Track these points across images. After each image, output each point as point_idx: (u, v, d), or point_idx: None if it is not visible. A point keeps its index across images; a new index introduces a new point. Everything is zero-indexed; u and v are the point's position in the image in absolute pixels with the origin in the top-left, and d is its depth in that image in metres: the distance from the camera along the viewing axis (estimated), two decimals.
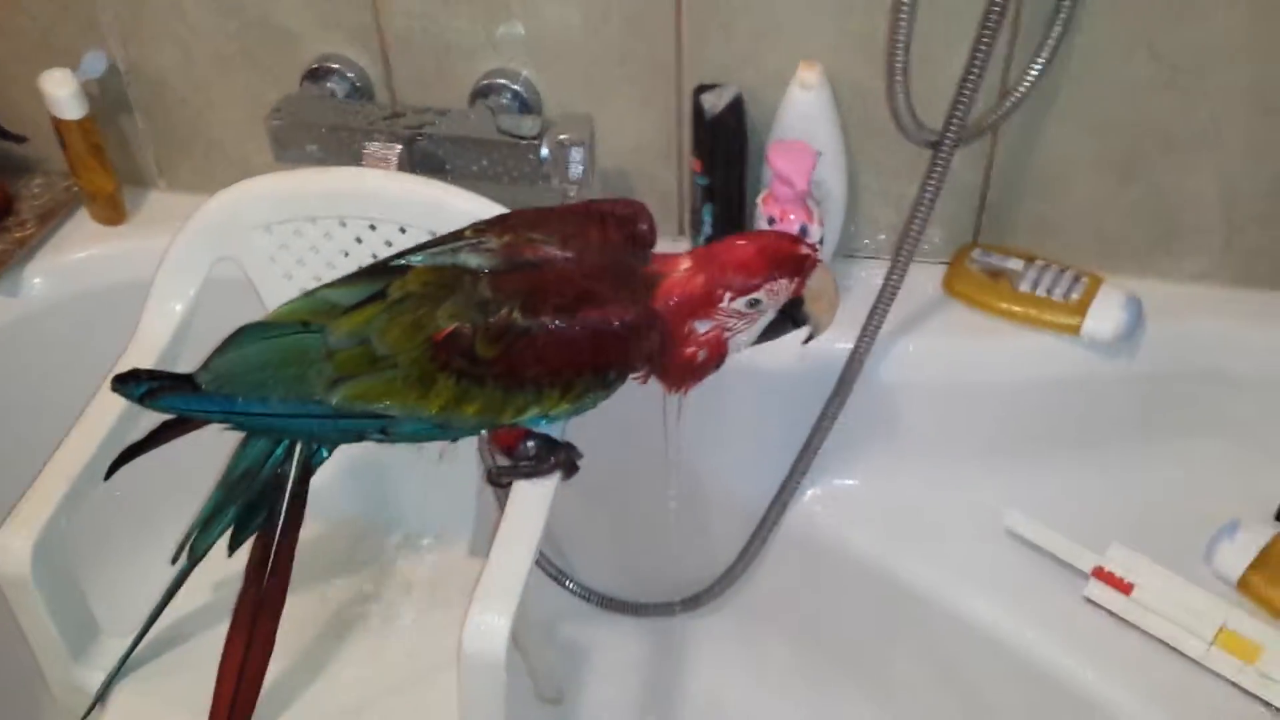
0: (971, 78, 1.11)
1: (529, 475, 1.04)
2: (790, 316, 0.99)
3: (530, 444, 1.04)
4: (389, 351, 0.93)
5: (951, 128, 1.12)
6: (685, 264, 0.96)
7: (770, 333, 1.00)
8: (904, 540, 1.31)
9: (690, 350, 0.96)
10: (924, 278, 1.34)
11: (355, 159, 1.24)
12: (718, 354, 0.97)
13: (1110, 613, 1.20)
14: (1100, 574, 1.20)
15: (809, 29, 1.23)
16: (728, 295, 0.94)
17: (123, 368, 1.10)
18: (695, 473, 1.39)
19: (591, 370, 0.93)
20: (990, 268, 1.31)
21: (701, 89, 1.25)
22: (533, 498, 1.04)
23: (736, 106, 1.23)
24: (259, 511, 1.02)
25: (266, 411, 0.97)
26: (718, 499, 1.42)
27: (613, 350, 0.93)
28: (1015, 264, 1.31)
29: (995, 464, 1.32)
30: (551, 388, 0.93)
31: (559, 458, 1.04)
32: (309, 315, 0.97)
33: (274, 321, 0.99)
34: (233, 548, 1.03)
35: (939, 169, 1.15)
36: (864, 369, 1.25)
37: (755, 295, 0.94)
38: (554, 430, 1.07)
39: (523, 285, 0.93)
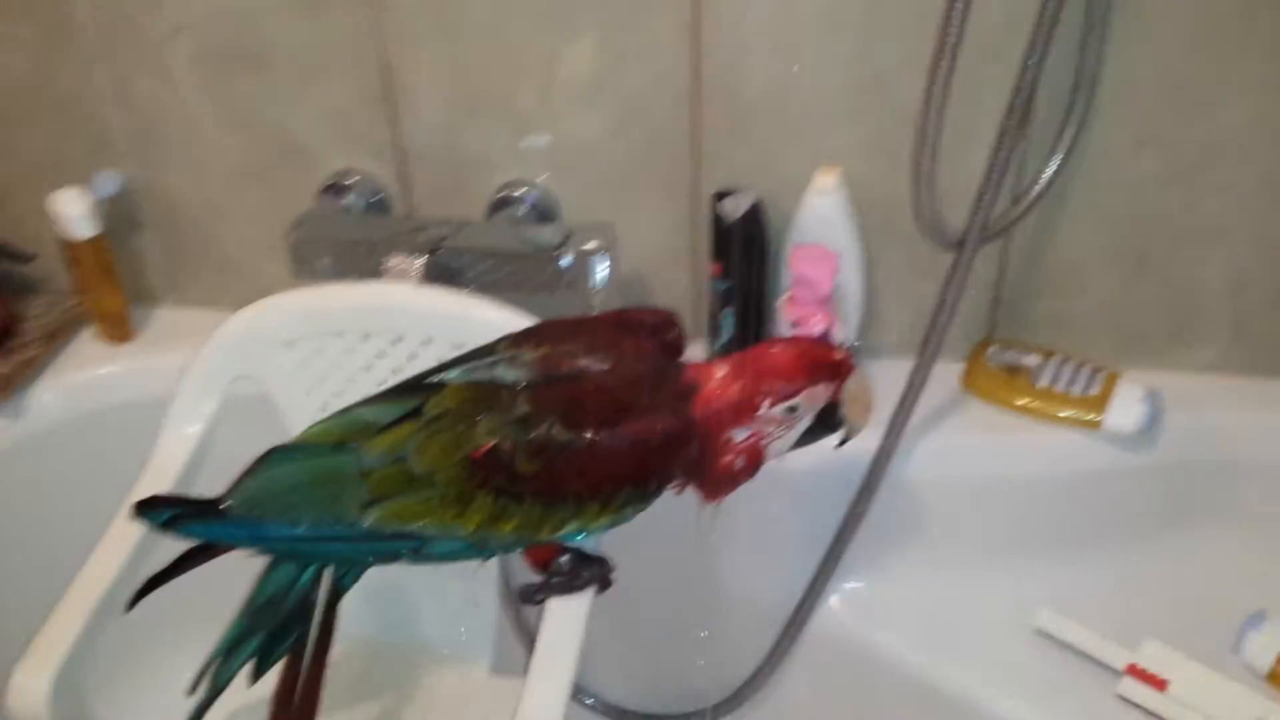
0: (993, 178, 1.13)
1: (564, 592, 1.02)
2: (825, 421, 0.98)
3: (564, 560, 1.02)
4: (426, 470, 0.91)
5: (974, 228, 1.13)
6: (721, 371, 0.96)
7: (806, 438, 0.99)
8: (932, 642, 1.29)
9: (728, 459, 0.95)
10: (940, 374, 1.33)
11: (374, 272, 1.24)
12: (755, 461, 0.96)
13: (1145, 710, 1.18)
14: (1134, 671, 1.19)
15: (825, 135, 1.26)
16: (766, 402, 0.93)
17: (140, 492, 1.08)
18: (716, 576, 1.37)
19: (633, 482, 0.92)
20: (1008, 364, 1.32)
21: (720, 195, 1.26)
22: (568, 616, 1.01)
23: (755, 212, 1.24)
24: (284, 639, 0.99)
25: (297, 535, 0.94)
26: (739, 602, 1.39)
27: (654, 461, 0.92)
28: (1032, 359, 1.32)
29: (1020, 561, 1.31)
30: (592, 501, 0.92)
31: (593, 572, 1.02)
32: (342, 435, 0.95)
33: (306, 443, 0.97)
34: (256, 676, 0.99)
35: (961, 270, 1.16)
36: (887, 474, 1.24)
37: (793, 401, 0.94)
38: (588, 544, 1.05)
39: (561, 398, 0.92)
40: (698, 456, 0.94)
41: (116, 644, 1.08)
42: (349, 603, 1.04)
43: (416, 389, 0.96)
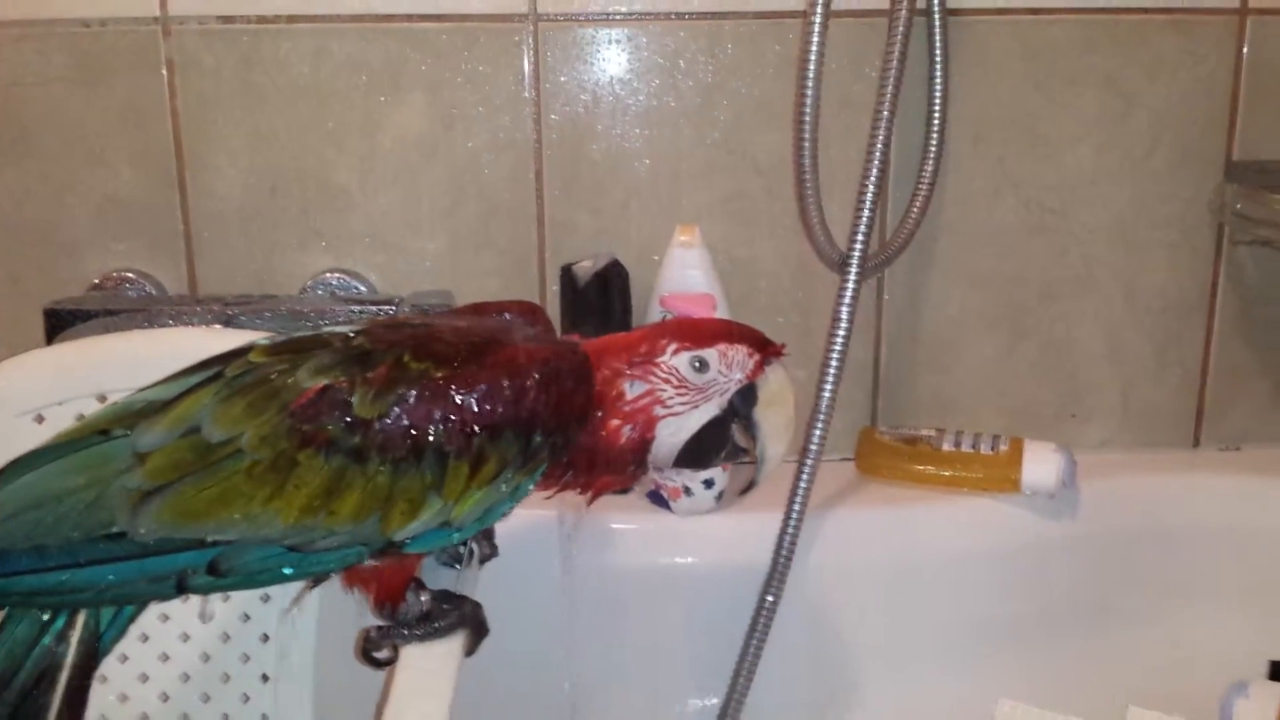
0: (867, 201, 1.05)
1: (422, 639, 0.75)
2: (737, 416, 0.78)
3: (423, 597, 0.76)
4: (228, 434, 0.67)
5: (858, 243, 1.03)
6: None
7: (709, 441, 0.78)
8: None
9: (615, 423, 0.74)
10: (831, 474, 1.18)
11: None
12: (643, 435, 0.74)
13: None
14: None
15: (676, 199, 1.17)
16: (672, 348, 0.75)
17: None
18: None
19: (512, 429, 0.69)
20: (904, 437, 1.18)
21: (569, 266, 1.13)
22: (428, 676, 0.73)
23: (613, 268, 1.11)
24: None
25: (35, 567, 0.66)
26: None
27: (538, 399, 0.70)
28: (928, 431, 1.18)
29: (965, 655, 1.12)
30: (459, 459, 0.68)
31: (462, 613, 0.76)
32: (111, 422, 0.70)
33: (60, 441, 0.70)
34: None
35: (852, 293, 1.04)
36: (794, 565, 1.04)
37: (703, 354, 0.75)
38: (452, 582, 0.79)
39: (409, 336, 0.71)
40: (586, 410, 0.73)
41: None
42: None
43: (213, 361, 0.73)
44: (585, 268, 1.11)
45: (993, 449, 1.14)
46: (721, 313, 1.08)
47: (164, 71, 1.11)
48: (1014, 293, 1.21)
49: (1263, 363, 1.25)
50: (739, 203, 1.17)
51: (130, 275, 1.13)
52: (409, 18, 1.10)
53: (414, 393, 0.67)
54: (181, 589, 0.68)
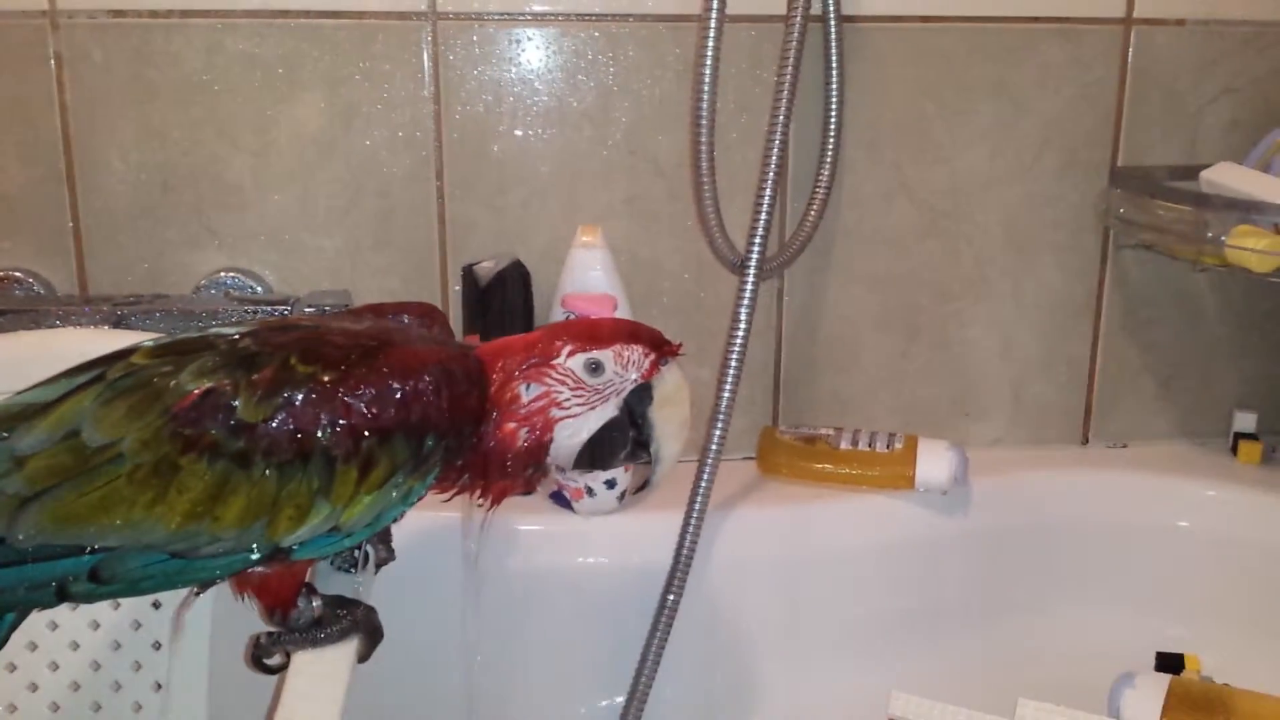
0: (764, 203, 1.06)
1: (313, 644, 0.74)
2: (631, 420, 0.79)
3: (314, 603, 0.75)
4: (109, 438, 0.65)
5: (756, 245, 1.05)
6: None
7: (605, 445, 0.78)
8: None
9: (511, 426, 0.74)
10: (733, 474, 1.20)
11: None
12: (539, 439, 0.74)
13: None
14: None
15: (578, 199, 1.17)
16: (567, 350, 0.75)
17: None
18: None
19: (402, 433, 0.69)
20: (804, 435, 1.20)
21: (470, 266, 1.12)
22: (318, 678, 0.73)
23: (515, 268, 1.11)
24: None
25: None
26: None
27: (429, 402, 0.69)
28: (827, 430, 1.20)
29: (860, 649, 1.14)
30: (347, 464, 0.68)
31: (357, 616, 0.75)
32: None
33: None
34: None
35: (750, 294, 1.05)
36: (695, 563, 1.06)
37: (598, 355, 0.76)
38: (347, 586, 0.78)
39: (298, 338, 0.70)
40: (480, 413, 0.73)
41: None
42: None
43: (95, 363, 0.71)
44: (487, 268, 1.10)
45: (888, 447, 1.16)
46: (623, 313, 1.09)
47: (52, 65, 1.08)
48: (909, 294, 1.24)
49: (1147, 362, 1.30)
50: (641, 203, 1.18)
51: (18, 274, 1.10)
52: (306, 14, 1.09)
53: (300, 396, 0.66)
54: (63, 596, 0.67)
